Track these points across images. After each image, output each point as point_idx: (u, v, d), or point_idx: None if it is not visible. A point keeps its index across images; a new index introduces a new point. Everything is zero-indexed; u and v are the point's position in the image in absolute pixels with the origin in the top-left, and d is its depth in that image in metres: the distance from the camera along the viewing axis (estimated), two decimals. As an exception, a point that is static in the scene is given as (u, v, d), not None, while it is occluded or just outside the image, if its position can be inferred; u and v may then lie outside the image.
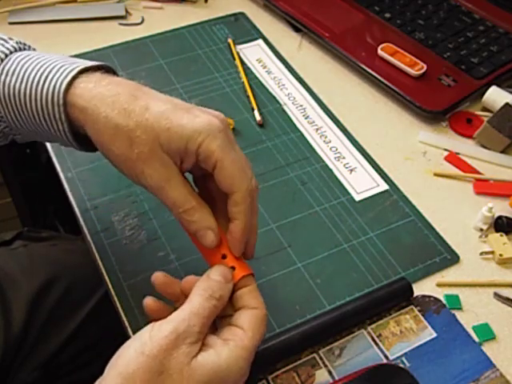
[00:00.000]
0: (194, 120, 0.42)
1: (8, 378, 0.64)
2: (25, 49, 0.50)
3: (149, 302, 0.44)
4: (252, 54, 0.79)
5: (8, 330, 0.64)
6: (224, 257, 0.44)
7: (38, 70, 0.45)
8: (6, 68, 0.46)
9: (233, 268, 0.43)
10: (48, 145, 0.66)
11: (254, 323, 0.41)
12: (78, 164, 0.64)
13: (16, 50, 0.48)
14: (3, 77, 0.46)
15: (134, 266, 0.56)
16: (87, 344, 0.69)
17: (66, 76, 0.44)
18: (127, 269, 0.56)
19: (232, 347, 0.40)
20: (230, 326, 0.42)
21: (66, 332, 0.69)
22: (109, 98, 0.43)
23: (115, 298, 0.54)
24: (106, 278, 0.55)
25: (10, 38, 0.49)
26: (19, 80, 0.45)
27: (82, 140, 0.47)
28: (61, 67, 0.45)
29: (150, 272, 0.54)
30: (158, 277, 0.45)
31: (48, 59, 0.46)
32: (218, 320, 0.44)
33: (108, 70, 0.48)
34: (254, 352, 0.41)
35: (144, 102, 0.43)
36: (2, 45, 0.48)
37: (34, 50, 0.51)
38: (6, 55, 0.47)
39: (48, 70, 0.45)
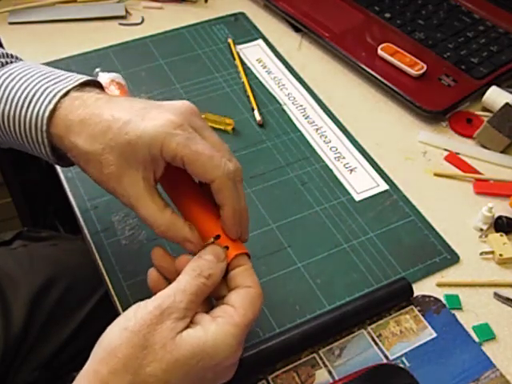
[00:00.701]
0: (149, 126, 0.42)
1: (8, 377, 0.64)
2: (7, 62, 0.49)
3: (153, 272, 0.44)
4: (252, 53, 0.79)
5: (8, 330, 0.64)
6: (218, 237, 0.44)
7: (22, 93, 0.46)
8: None
9: (226, 248, 0.43)
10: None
11: (246, 301, 0.41)
12: (78, 164, 0.64)
13: (2, 65, 0.48)
14: None
15: (134, 266, 0.56)
16: (87, 344, 0.69)
17: (49, 102, 0.45)
18: (127, 269, 0.56)
19: (220, 323, 0.39)
20: (222, 305, 0.41)
21: (66, 332, 0.69)
22: (77, 127, 0.44)
23: (115, 298, 0.54)
24: (106, 278, 0.55)
25: None
26: (3, 102, 0.46)
27: (65, 157, 0.48)
28: (44, 90, 0.45)
29: (150, 272, 0.54)
30: (157, 249, 0.45)
31: (31, 78, 0.46)
32: (216, 302, 0.43)
33: (93, 83, 0.48)
34: (247, 330, 0.40)
35: (106, 121, 0.43)
36: None
37: (18, 58, 0.51)
38: None
39: (32, 93, 0.45)
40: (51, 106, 0.44)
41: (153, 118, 0.43)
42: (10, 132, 0.47)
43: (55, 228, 1.20)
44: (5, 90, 0.46)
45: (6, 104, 0.46)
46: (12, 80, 0.46)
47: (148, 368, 0.37)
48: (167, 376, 0.37)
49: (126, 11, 0.84)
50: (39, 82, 0.46)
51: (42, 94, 0.45)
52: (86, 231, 0.59)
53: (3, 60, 0.49)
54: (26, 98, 0.45)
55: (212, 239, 0.43)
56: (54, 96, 0.45)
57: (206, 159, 0.42)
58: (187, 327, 0.39)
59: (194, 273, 0.41)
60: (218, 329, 0.39)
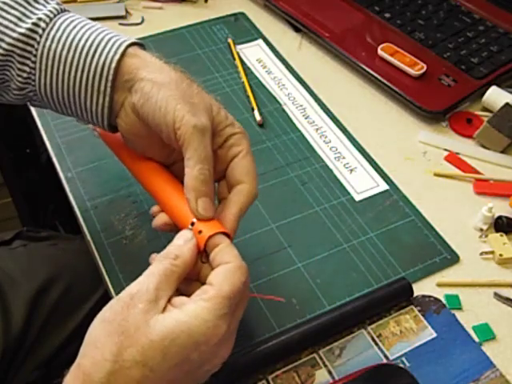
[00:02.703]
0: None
1: (8, 377, 0.64)
2: (64, 10, 0.49)
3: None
4: (252, 53, 0.79)
5: (8, 330, 0.64)
6: (192, 224, 0.44)
7: (86, 40, 0.46)
8: (52, 34, 0.46)
9: (200, 232, 0.43)
10: (48, 145, 0.66)
11: (221, 276, 0.40)
12: (78, 164, 0.64)
13: (58, 12, 0.48)
14: (48, 42, 0.46)
15: (134, 266, 0.56)
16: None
17: (117, 51, 0.45)
18: (127, 269, 0.56)
19: (195, 300, 0.39)
20: (202, 286, 0.41)
21: (65, 332, 0.69)
22: (170, 66, 0.47)
23: (115, 298, 0.54)
24: (106, 277, 0.55)
25: None
26: (66, 48, 0.46)
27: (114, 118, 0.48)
28: (110, 39, 0.46)
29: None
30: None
31: (94, 27, 0.47)
32: None
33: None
34: (227, 303, 0.39)
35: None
36: (44, 6, 0.47)
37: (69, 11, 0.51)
38: (51, 19, 0.47)
39: (97, 40, 0.46)
40: (117, 57, 0.45)
41: None
42: (67, 79, 0.46)
43: (55, 228, 1.20)
44: (67, 38, 0.46)
45: (69, 51, 0.46)
46: (73, 28, 0.46)
47: (125, 353, 0.37)
48: (144, 359, 0.37)
49: (126, 11, 0.84)
50: (102, 31, 0.47)
51: (107, 42, 0.46)
52: (85, 231, 0.59)
53: (62, 6, 0.49)
54: (91, 45, 0.45)
55: (190, 226, 0.44)
56: (121, 44, 0.46)
57: (253, 167, 0.48)
58: (165, 311, 0.38)
59: (160, 257, 0.41)
60: (192, 306, 0.38)
